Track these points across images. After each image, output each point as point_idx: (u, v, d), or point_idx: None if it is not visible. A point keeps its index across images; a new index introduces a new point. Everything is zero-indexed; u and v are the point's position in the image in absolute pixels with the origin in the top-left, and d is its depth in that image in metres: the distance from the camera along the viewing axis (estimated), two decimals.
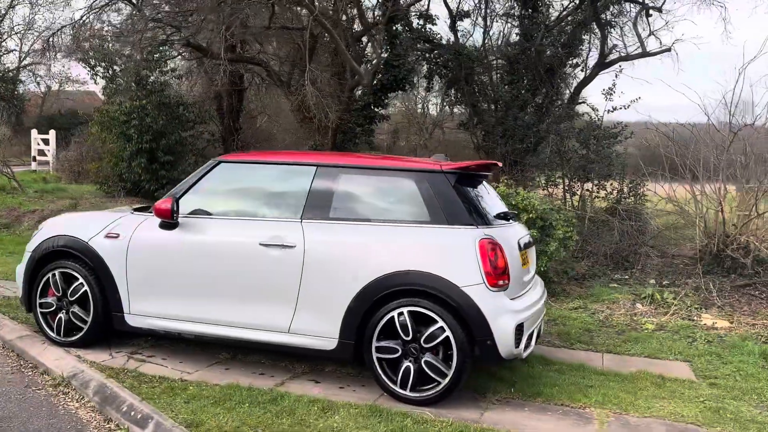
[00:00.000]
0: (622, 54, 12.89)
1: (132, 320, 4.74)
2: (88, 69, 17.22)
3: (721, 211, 8.50)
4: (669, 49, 12.79)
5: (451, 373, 3.95)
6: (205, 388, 4.19)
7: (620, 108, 10.97)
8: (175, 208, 4.50)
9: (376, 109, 12.19)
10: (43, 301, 4.98)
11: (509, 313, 3.99)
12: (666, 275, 8.78)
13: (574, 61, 13.42)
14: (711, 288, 7.84)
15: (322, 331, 4.24)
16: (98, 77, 17.46)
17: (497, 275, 3.99)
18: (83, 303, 4.87)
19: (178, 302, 4.59)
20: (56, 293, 4.93)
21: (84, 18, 11.37)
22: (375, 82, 11.44)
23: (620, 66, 11.18)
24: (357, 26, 12.13)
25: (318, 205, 4.39)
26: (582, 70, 13.77)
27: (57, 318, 4.92)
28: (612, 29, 13.01)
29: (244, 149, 20.32)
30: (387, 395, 4.12)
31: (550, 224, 7.33)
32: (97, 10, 11.33)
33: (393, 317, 4.04)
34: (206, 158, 19.59)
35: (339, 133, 11.07)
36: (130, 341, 5.11)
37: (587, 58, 13.13)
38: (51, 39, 13.29)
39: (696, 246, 9.08)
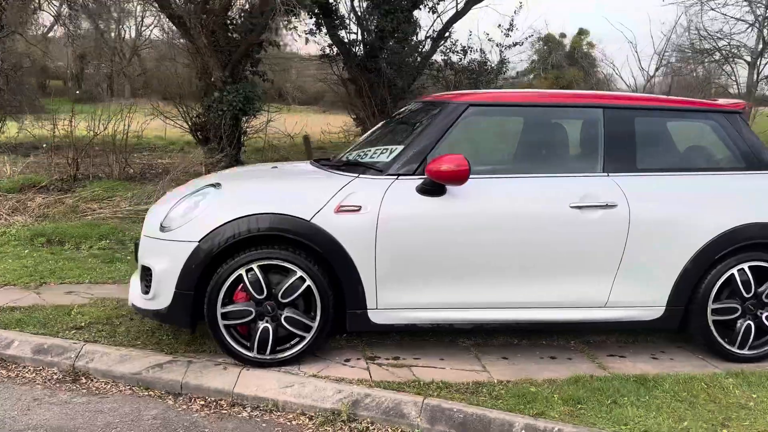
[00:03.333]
0: None
1: (379, 316, 3.59)
2: None
3: None
4: None
5: None
6: (540, 386, 3.40)
7: (519, 43, 11.32)
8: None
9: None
10: (228, 310, 3.47)
11: None
12: None
13: None
14: None
15: (646, 300, 3.74)
16: None
17: None
18: (298, 304, 3.54)
19: (451, 286, 3.60)
20: (257, 295, 3.47)
21: None
22: None
23: (521, 2, 11.45)
24: None
25: (619, 155, 3.76)
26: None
27: (260, 330, 3.49)
28: None
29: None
30: (713, 357, 3.85)
31: None
32: None
33: (733, 275, 3.74)
34: None
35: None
36: (330, 344, 3.89)
37: None
38: None
39: None
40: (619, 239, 3.65)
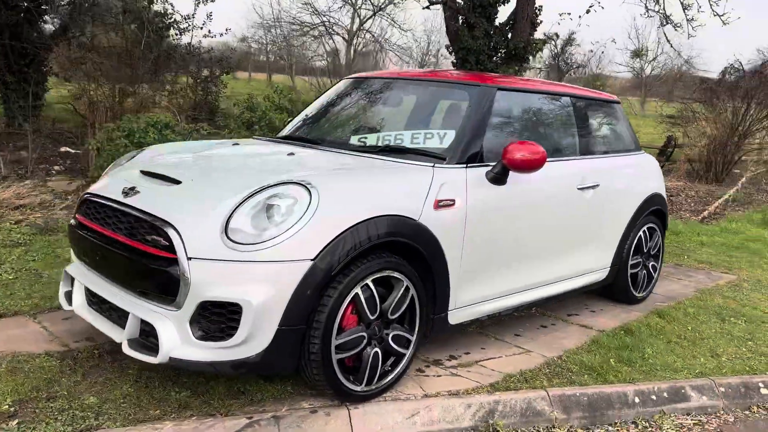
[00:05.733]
0: None
1: (455, 317, 3.37)
2: None
3: None
4: None
5: (659, 267, 4.99)
6: (582, 355, 3.75)
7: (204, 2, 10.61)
8: None
9: None
10: (343, 340, 2.78)
11: None
12: None
13: None
14: None
15: (603, 263, 4.38)
16: None
17: None
18: (402, 317, 3.06)
19: (509, 273, 3.60)
20: (370, 316, 2.85)
21: None
22: None
23: None
24: None
25: (584, 139, 4.25)
26: None
27: (371, 357, 2.90)
28: None
29: None
30: (619, 302, 4.75)
31: None
32: None
33: (640, 236, 4.67)
34: None
35: None
36: None
37: None
38: None
39: None
40: (599, 214, 4.19)
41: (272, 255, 2.57)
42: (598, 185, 4.13)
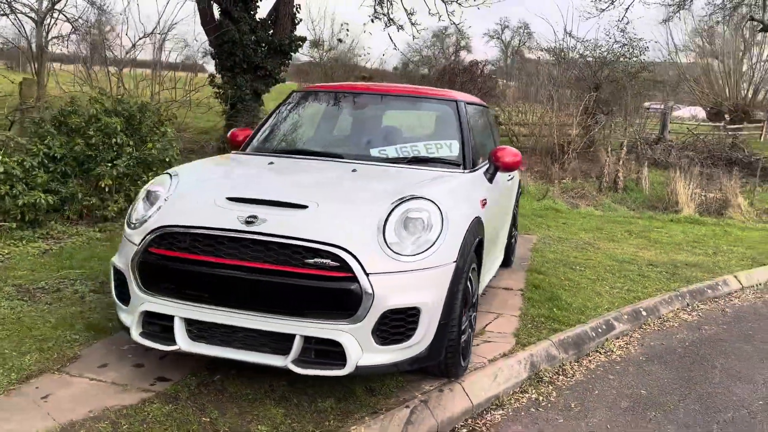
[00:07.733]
0: None
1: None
2: None
3: None
4: None
5: (517, 235, 6.29)
6: (528, 308, 4.80)
7: None
8: None
9: None
10: (462, 327, 3.33)
11: None
12: None
13: None
14: None
15: (506, 236, 5.46)
16: None
17: None
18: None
19: (489, 256, 4.41)
20: (471, 302, 3.44)
21: None
22: None
23: None
24: None
25: (495, 140, 5.25)
26: None
27: (469, 338, 3.49)
28: None
29: None
30: (506, 267, 5.92)
31: None
32: None
33: (514, 212, 5.88)
34: None
35: None
36: None
37: None
38: None
39: None
40: (510, 198, 5.24)
41: (432, 261, 2.97)
42: (513, 177, 5.16)
